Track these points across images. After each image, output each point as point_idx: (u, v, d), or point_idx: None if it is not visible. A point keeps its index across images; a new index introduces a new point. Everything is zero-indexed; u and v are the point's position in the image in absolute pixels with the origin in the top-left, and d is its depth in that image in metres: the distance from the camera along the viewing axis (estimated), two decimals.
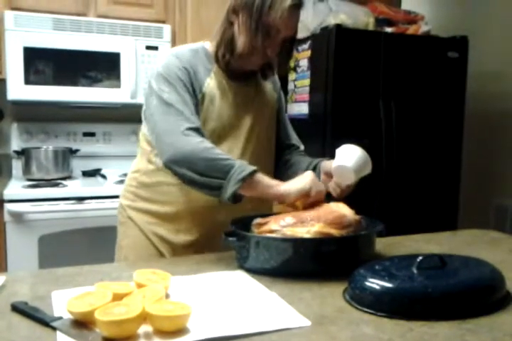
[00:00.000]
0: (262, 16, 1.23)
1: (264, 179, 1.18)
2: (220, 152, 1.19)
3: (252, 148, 1.38)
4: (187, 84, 1.28)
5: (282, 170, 1.49)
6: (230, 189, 1.13)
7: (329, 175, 1.30)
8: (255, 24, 1.24)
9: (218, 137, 1.33)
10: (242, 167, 1.15)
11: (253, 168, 1.16)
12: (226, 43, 1.30)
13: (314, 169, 1.38)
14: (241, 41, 1.27)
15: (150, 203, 1.39)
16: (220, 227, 1.20)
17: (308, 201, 1.17)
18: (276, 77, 1.53)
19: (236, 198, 1.15)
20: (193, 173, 1.16)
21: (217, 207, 1.27)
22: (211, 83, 1.33)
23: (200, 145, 1.18)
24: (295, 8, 1.25)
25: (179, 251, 1.35)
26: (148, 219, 1.39)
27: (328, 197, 1.31)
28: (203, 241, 1.35)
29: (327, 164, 1.32)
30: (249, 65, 1.33)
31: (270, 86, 1.49)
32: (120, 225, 1.47)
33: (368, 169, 1.22)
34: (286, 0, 1.22)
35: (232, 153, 1.32)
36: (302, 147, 1.57)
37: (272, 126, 1.48)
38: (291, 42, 1.34)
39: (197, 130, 1.22)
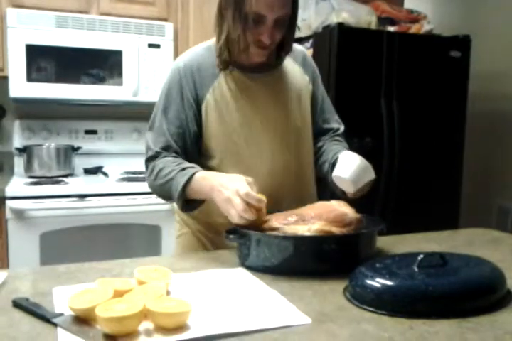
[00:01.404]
0: (241, 5, 1.18)
1: (197, 189, 1.19)
2: (164, 172, 1.25)
3: (285, 142, 1.35)
4: (183, 101, 1.30)
5: (316, 158, 1.45)
6: (179, 206, 1.25)
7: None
8: (237, 15, 1.20)
9: (243, 137, 1.31)
10: (176, 185, 1.21)
11: (183, 181, 1.19)
12: (220, 41, 1.27)
13: (334, 163, 1.34)
14: (232, 35, 1.23)
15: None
16: None
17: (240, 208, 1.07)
18: (308, 58, 1.47)
19: (188, 209, 1.25)
20: (162, 198, 1.31)
21: None
22: (219, 85, 1.30)
23: (151, 175, 1.29)
24: None
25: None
26: (196, 222, 1.41)
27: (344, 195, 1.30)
28: None
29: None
30: (255, 58, 1.28)
31: (299, 69, 1.42)
32: (176, 222, 1.49)
33: (368, 177, 1.20)
34: None
35: (262, 150, 1.31)
36: (342, 128, 1.52)
37: (305, 113, 1.41)
38: (291, 21, 1.28)
39: (155, 156, 1.30)
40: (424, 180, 2.77)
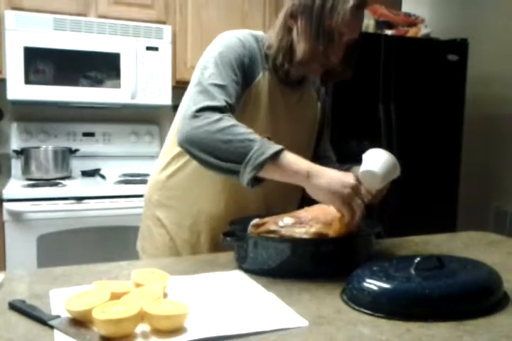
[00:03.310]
0: (323, 20, 1.14)
1: (289, 163, 1.04)
2: (240, 131, 1.07)
3: None
4: (238, 73, 1.19)
5: None
6: (246, 176, 1.05)
7: (360, 181, 1.22)
8: (316, 28, 1.15)
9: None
10: (262, 149, 1.04)
11: (274, 149, 1.04)
12: (285, 51, 1.22)
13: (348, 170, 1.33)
14: (301, 48, 1.19)
15: (175, 200, 1.35)
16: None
17: (345, 215, 1.03)
18: (320, 85, 1.45)
19: (255, 183, 1.07)
20: (208, 156, 1.08)
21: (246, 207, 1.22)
22: (262, 79, 1.25)
23: (215, 125, 1.08)
24: (358, 8, 1.16)
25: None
26: (173, 218, 1.35)
27: None
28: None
29: (357, 170, 1.24)
30: (309, 72, 1.27)
31: (314, 95, 1.41)
32: (146, 218, 1.42)
33: (396, 173, 1.18)
34: (348, 0, 1.13)
35: None
36: (334, 159, 1.52)
37: (311, 138, 1.41)
38: (356, 45, 1.24)
39: (218, 109, 1.12)
40: (422, 182, 2.77)
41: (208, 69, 1.19)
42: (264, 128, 1.26)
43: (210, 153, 1.08)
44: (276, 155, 1.04)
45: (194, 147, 1.10)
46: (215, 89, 1.15)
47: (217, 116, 1.10)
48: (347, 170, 1.34)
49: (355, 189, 1.03)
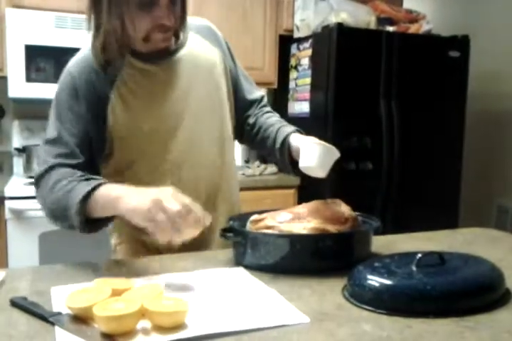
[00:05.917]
0: None
1: (100, 200, 1.02)
2: (60, 185, 1.07)
3: (200, 126, 1.26)
4: (75, 107, 1.19)
5: (251, 137, 1.39)
6: (79, 228, 1.07)
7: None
8: (123, 2, 1.08)
9: (157, 130, 1.22)
10: (74, 197, 1.03)
11: (81, 195, 1.02)
12: (100, 38, 1.14)
13: (282, 146, 1.28)
14: (126, 26, 1.12)
15: None
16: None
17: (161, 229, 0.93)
18: (213, 28, 1.36)
19: (93, 229, 1.09)
20: (59, 222, 1.13)
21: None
22: (123, 76, 1.19)
23: (42, 192, 1.12)
24: None
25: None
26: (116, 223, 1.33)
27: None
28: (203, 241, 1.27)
29: (296, 148, 1.23)
30: (159, 44, 1.18)
31: (208, 44, 1.32)
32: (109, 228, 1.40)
33: (333, 157, 1.20)
34: None
35: (179, 138, 1.22)
36: (262, 93, 1.45)
37: (220, 91, 1.31)
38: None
39: (41, 175, 1.13)
40: (423, 179, 2.77)
41: (49, 121, 1.23)
42: (153, 118, 1.21)
43: (56, 219, 1.13)
44: (86, 198, 1.02)
45: (49, 218, 1.16)
46: (46, 147, 1.17)
47: (44, 181, 1.12)
48: (284, 140, 1.28)
49: (156, 203, 0.93)
